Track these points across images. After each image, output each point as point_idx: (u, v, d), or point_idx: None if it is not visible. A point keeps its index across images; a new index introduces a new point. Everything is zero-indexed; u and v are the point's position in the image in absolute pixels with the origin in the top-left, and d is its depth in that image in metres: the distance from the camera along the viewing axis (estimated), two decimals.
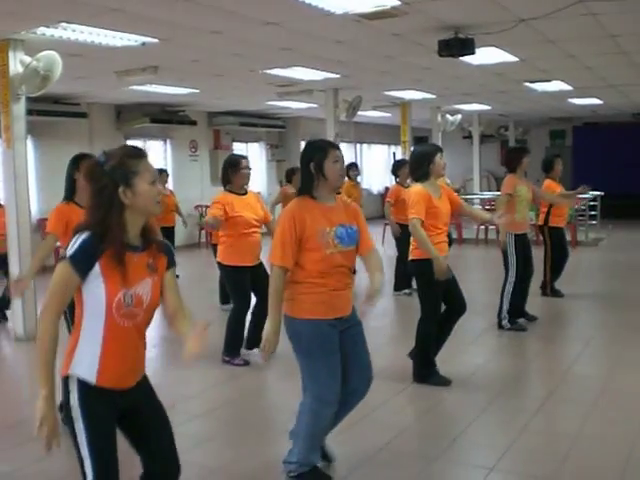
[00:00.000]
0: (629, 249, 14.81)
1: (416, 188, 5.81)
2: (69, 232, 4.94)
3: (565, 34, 8.50)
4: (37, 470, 4.47)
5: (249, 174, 6.63)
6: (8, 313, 8.63)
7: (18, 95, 7.83)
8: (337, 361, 4.00)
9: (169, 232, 11.56)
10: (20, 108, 7.92)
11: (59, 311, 2.73)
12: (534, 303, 8.46)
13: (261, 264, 6.58)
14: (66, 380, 2.75)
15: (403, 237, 9.34)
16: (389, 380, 5.97)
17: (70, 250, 2.68)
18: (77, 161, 5.02)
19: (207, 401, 5.74)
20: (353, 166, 10.99)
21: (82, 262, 2.66)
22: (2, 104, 7.88)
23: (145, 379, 2.94)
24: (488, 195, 18.96)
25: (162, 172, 12.04)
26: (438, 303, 5.91)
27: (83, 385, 2.72)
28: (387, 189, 22.45)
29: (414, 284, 9.27)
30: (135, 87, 11.92)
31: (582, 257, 13.47)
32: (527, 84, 13.20)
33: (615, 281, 11.16)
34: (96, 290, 2.68)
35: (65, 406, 2.75)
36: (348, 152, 21.43)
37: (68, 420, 2.74)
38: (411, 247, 5.88)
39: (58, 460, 4.64)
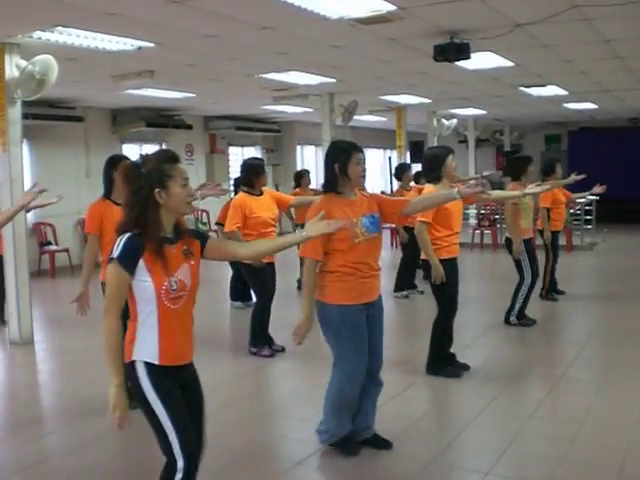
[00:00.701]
0: (624, 253, 14.82)
1: (428, 189, 6.03)
2: (104, 227, 5.20)
3: (560, 39, 8.52)
4: (40, 470, 4.49)
5: (266, 178, 7.15)
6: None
7: (14, 99, 7.82)
8: (365, 342, 4.39)
9: None
10: (16, 112, 7.92)
11: (119, 308, 2.99)
12: (532, 307, 8.46)
13: (273, 264, 7.10)
14: (132, 365, 3.03)
15: (409, 240, 9.51)
16: (385, 382, 5.98)
17: (116, 252, 2.97)
18: (114, 162, 5.43)
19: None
20: None
21: (128, 260, 2.95)
22: None
23: (192, 363, 3.23)
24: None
25: None
26: (455, 298, 6.21)
27: (149, 367, 3.01)
28: (383, 193, 22.50)
29: (418, 286, 9.51)
30: (131, 91, 11.91)
31: (577, 261, 13.50)
32: (522, 89, 13.22)
33: (611, 284, 11.17)
34: (145, 283, 2.97)
35: (135, 389, 3.03)
36: None
37: (141, 401, 3.01)
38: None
39: (61, 459, 4.67)
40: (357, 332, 4.35)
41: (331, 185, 4.38)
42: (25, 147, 10.98)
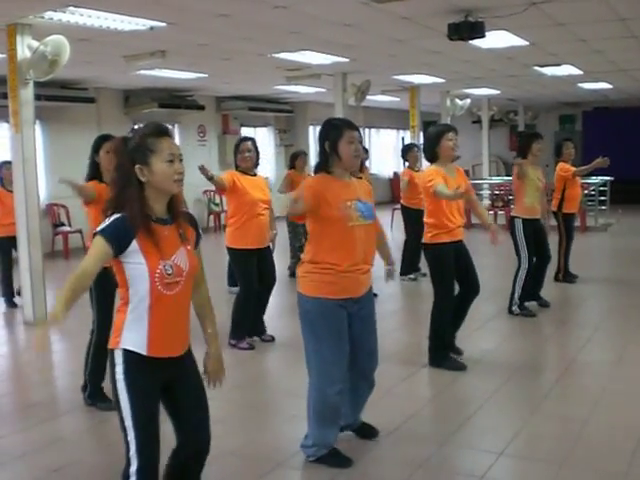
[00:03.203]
0: (639, 234, 14.74)
1: (428, 169, 5.89)
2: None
3: (575, 17, 8.44)
4: (54, 449, 4.52)
5: (251, 157, 6.65)
6: (18, 300, 8.68)
7: (26, 80, 7.82)
8: (344, 341, 4.04)
9: None
10: (28, 93, 7.91)
11: (92, 268, 2.78)
12: (546, 289, 8.42)
13: (268, 249, 6.72)
14: (112, 353, 2.87)
15: (412, 222, 9.41)
16: (397, 365, 5.99)
17: (101, 226, 2.79)
18: (97, 143, 5.16)
19: (226, 381, 5.79)
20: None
21: (114, 236, 2.76)
22: (10, 89, 7.87)
23: (190, 352, 3.05)
24: (497, 180, 18.86)
25: None
26: (452, 287, 5.94)
27: (130, 358, 2.83)
28: (396, 174, 22.44)
29: (422, 269, 9.42)
30: (143, 72, 11.90)
31: (591, 242, 13.43)
32: (537, 68, 13.12)
33: (625, 266, 11.12)
34: (139, 266, 2.78)
35: (110, 378, 2.88)
36: None
37: (113, 391, 2.86)
38: (424, 232, 5.93)
39: (76, 439, 4.70)
40: (335, 329, 4.00)
41: (322, 164, 4.09)
42: (37, 128, 10.96)
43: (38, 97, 8.78)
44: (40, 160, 11.10)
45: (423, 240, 5.95)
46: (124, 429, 2.83)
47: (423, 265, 10.08)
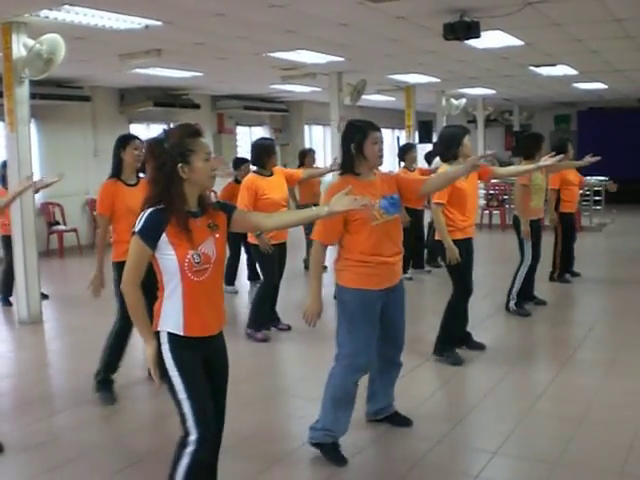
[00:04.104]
0: (633, 234, 14.77)
1: (442, 169, 5.90)
2: (115, 209, 5.18)
3: (571, 17, 8.44)
4: (53, 446, 4.53)
5: (276, 158, 7.09)
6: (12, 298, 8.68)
7: (21, 78, 7.80)
8: (375, 332, 4.29)
9: None
10: (23, 91, 7.90)
11: (137, 279, 3.06)
12: (541, 288, 8.46)
13: (285, 245, 7.05)
14: (157, 335, 3.09)
15: (411, 221, 9.52)
16: None
17: (137, 226, 3.03)
18: (123, 141, 5.37)
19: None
20: None
21: (149, 234, 3.01)
22: (5, 87, 7.86)
23: (222, 335, 3.28)
24: (492, 180, 18.83)
25: None
26: (470, 280, 6.16)
27: (173, 337, 3.07)
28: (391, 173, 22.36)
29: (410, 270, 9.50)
30: (138, 70, 11.87)
31: (586, 242, 13.44)
32: (532, 68, 13.13)
33: (620, 266, 11.16)
34: (169, 256, 3.02)
35: (158, 358, 3.07)
36: None
37: (162, 370, 3.07)
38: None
39: (68, 437, 4.69)
40: (370, 319, 4.25)
41: (348, 166, 4.28)
42: (33, 127, 10.95)
43: (33, 96, 8.74)
44: (35, 159, 11.07)
45: (437, 237, 6.10)
46: (178, 403, 3.05)
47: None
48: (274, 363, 6.64)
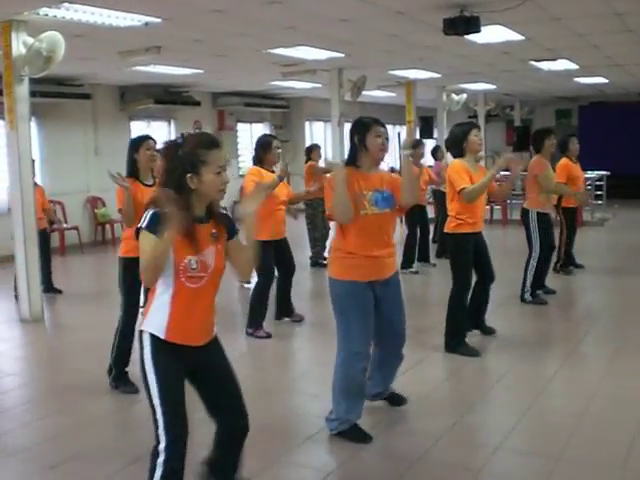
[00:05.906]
0: (635, 229, 14.76)
1: (453, 162, 6.17)
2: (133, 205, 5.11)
3: (571, 12, 8.43)
4: (57, 443, 4.52)
5: (279, 153, 6.96)
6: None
7: (21, 76, 7.80)
8: (370, 321, 4.39)
9: None
10: (23, 89, 7.89)
11: (158, 271, 2.92)
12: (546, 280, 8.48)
13: (285, 239, 7.05)
14: (140, 335, 3.07)
15: (412, 216, 9.55)
16: None
17: (143, 223, 2.96)
18: (136, 144, 5.42)
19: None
20: None
21: (156, 229, 2.88)
22: (5, 85, 7.86)
23: (216, 341, 3.23)
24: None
25: None
26: (470, 275, 6.25)
27: (154, 340, 3.01)
28: (392, 169, 22.37)
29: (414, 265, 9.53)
30: (139, 68, 11.86)
31: (588, 237, 13.43)
32: (533, 63, 13.10)
33: (621, 260, 11.15)
34: (167, 257, 2.94)
35: (139, 358, 3.04)
36: None
37: (141, 371, 3.02)
38: (448, 222, 6.21)
39: (68, 437, 4.69)
40: (362, 309, 4.36)
41: (351, 158, 4.46)
42: (33, 125, 10.97)
43: (33, 93, 8.75)
44: (36, 157, 11.07)
45: (445, 229, 6.24)
46: (152, 407, 2.98)
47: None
48: (276, 360, 6.61)
